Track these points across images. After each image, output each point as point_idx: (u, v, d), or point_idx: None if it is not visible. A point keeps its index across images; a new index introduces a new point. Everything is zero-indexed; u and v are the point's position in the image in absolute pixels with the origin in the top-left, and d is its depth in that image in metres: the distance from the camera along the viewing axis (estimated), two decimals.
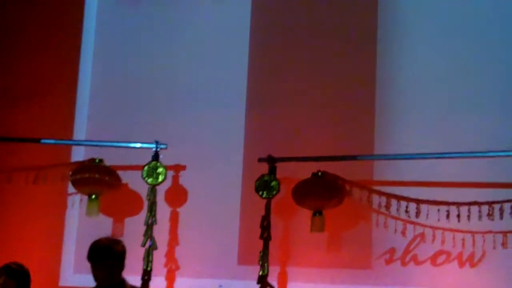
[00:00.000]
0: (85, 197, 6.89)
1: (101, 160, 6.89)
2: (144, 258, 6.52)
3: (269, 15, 7.37)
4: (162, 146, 6.83)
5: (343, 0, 7.28)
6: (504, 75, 6.81)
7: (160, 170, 6.78)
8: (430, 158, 6.59)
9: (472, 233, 6.46)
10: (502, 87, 6.80)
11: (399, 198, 6.57)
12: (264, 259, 6.47)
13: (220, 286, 6.82)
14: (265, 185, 6.65)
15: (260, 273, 6.45)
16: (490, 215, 6.32)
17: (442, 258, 6.57)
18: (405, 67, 7.01)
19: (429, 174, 6.66)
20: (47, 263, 7.07)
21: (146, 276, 6.49)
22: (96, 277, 4.81)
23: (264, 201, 6.62)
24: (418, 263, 6.61)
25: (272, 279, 6.55)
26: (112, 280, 4.78)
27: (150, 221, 6.64)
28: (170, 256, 6.88)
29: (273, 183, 6.64)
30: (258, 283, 6.43)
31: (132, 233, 6.71)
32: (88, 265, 6.78)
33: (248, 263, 6.75)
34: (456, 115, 6.79)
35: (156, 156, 6.81)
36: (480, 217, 6.34)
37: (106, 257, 4.77)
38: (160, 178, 6.78)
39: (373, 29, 7.12)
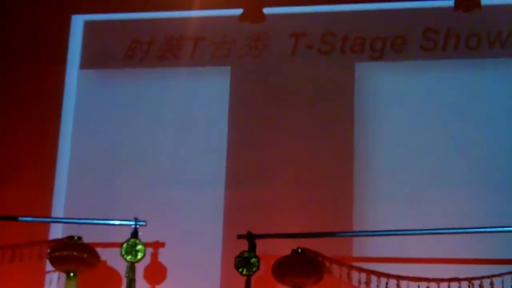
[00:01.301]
0: (63, 275, 6.82)
1: (79, 238, 6.82)
2: None
3: (247, 93, 7.47)
4: (141, 223, 6.78)
5: (320, 77, 7.39)
6: (478, 153, 6.94)
7: (139, 247, 6.73)
8: (409, 234, 6.58)
9: None
10: (478, 164, 6.90)
11: (379, 274, 6.54)
12: None
13: None
14: (245, 262, 6.61)
15: None
16: None
17: None
18: (382, 143, 7.12)
19: (409, 250, 6.68)
20: None
21: None
22: None
23: (244, 278, 6.58)
24: None
25: None
26: None
27: None
28: None
29: (253, 260, 6.60)
30: None
31: None
32: None
33: None
34: (435, 191, 6.88)
35: (135, 233, 6.75)
36: None
37: None
38: (139, 255, 6.72)
39: (350, 106, 7.22)
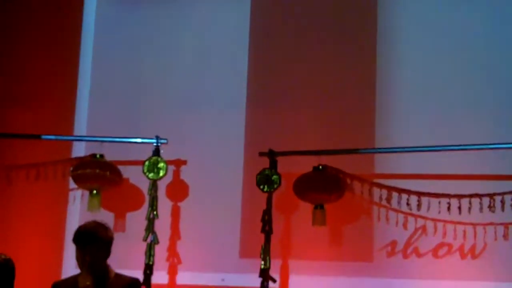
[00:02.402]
0: (86, 193, 6.90)
1: (102, 156, 6.89)
2: (146, 253, 6.53)
3: (269, 12, 7.39)
4: (162, 141, 6.83)
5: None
6: (501, 73, 6.87)
7: (161, 165, 6.78)
8: (430, 151, 6.60)
9: (474, 225, 6.48)
10: (499, 84, 6.84)
11: (400, 191, 6.59)
12: (265, 252, 6.48)
13: (223, 280, 6.83)
14: (266, 179, 6.66)
15: (262, 266, 6.45)
16: (491, 207, 6.34)
17: (443, 250, 6.60)
18: (405, 62, 7.04)
19: (430, 166, 6.68)
20: (49, 259, 7.07)
21: (148, 270, 6.50)
22: (79, 262, 4.72)
23: (265, 195, 6.63)
24: (419, 255, 6.63)
25: (274, 272, 6.55)
26: (95, 266, 4.67)
27: (151, 216, 6.65)
28: (172, 250, 6.89)
29: (274, 177, 6.65)
30: (260, 276, 6.43)
31: (133, 228, 6.75)
32: None
33: (249, 256, 6.75)
34: (456, 108, 6.83)
35: (156, 151, 6.81)
36: (481, 209, 6.37)
37: (91, 241, 4.70)
38: (161, 173, 6.78)
39: (373, 27, 7.14)
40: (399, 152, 6.73)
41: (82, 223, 6.97)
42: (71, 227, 7.18)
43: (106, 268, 4.73)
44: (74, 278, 4.74)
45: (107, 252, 4.76)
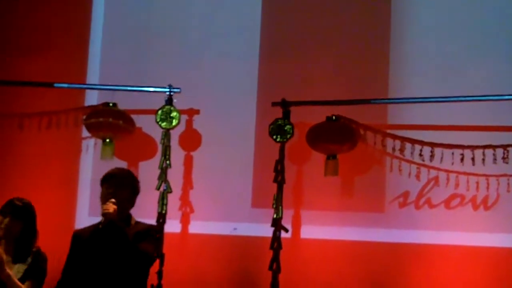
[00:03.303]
0: (99, 141, 6.92)
1: (114, 104, 6.88)
2: (158, 202, 6.56)
3: None
4: (175, 90, 6.82)
5: None
6: None
7: (173, 114, 6.78)
8: (444, 101, 6.56)
9: (487, 176, 6.47)
10: None
11: (413, 141, 6.57)
12: (278, 202, 6.50)
13: (235, 229, 6.87)
14: (279, 129, 6.65)
15: (274, 216, 6.48)
16: (505, 158, 6.32)
17: (456, 201, 6.60)
18: (419, 11, 6.96)
19: (443, 117, 6.65)
20: (62, 207, 7.12)
21: (161, 219, 6.53)
22: (102, 201, 4.69)
23: (278, 145, 6.63)
24: (432, 206, 6.64)
25: (286, 222, 6.58)
26: (120, 209, 4.65)
27: (164, 165, 6.67)
28: (185, 199, 6.91)
29: (287, 127, 6.64)
30: (272, 225, 6.46)
31: (146, 177, 6.70)
32: None
33: (262, 206, 6.77)
34: (471, 59, 6.77)
35: (169, 100, 6.80)
36: (494, 160, 6.35)
37: (121, 183, 4.71)
38: (174, 122, 6.78)
39: None
40: (412, 103, 6.70)
41: (95, 171, 7.13)
42: (84, 176, 7.24)
43: (129, 216, 4.75)
44: (95, 226, 4.74)
45: (132, 200, 4.76)
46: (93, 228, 4.67)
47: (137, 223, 4.75)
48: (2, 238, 4.74)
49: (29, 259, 4.78)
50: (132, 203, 4.81)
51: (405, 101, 6.72)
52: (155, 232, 4.77)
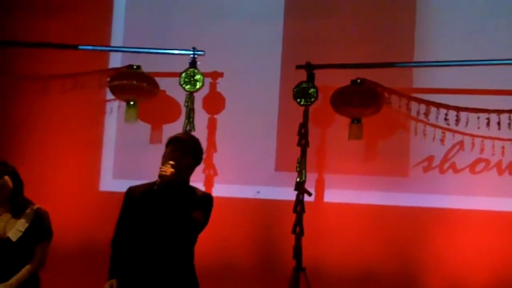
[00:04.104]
0: (123, 104, 6.93)
1: (138, 67, 6.88)
2: None
3: None
4: (199, 53, 6.80)
5: None
6: None
7: (197, 77, 6.77)
8: (470, 65, 6.49)
9: None
10: None
11: (439, 105, 6.52)
12: (301, 165, 6.49)
13: (258, 192, 6.87)
14: (303, 93, 6.62)
15: (298, 179, 6.48)
16: None
17: (481, 166, 6.55)
18: None
19: (469, 81, 6.58)
20: (87, 170, 7.16)
21: None
22: (163, 162, 4.60)
23: (302, 108, 6.60)
24: (456, 171, 6.60)
25: (310, 186, 6.59)
26: (178, 174, 4.57)
27: (188, 128, 6.68)
28: (208, 162, 6.92)
29: (311, 90, 6.61)
30: (295, 189, 6.46)
31: None
32: (127, 170, 6.89)
33: (285, 169, 6.77)
34: (498, 21, 6.67)
35: (193, 63, 6.79)
36: None
37: (186, 149, 4.64)
38: (198, 85, 6.77)
39: None
40: (438, 66, 6.63)
41: (119, 134, 7.15)
42: (108, 138, 7.26)
43: (186, 182, 4.68)
44: (149, 186, 4.67)
45: (192, 169, 4.72)
46: (148, 187, 4.62)
47: (193, 189, 4.70)
48: None
49: (28, 216, 4.87)
50: (191, 171, 4.74)
51: (431, 65, 6.65)
52: (209, 201, 4.72)
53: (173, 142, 4.67)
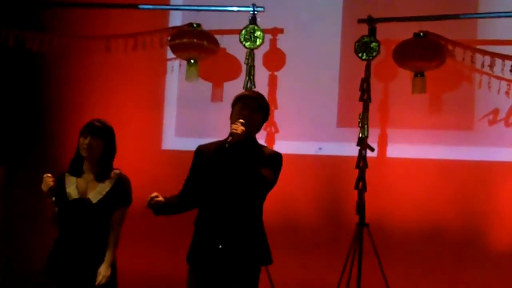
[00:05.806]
0: (184, 63, 6.95)
1: (198, 25, 6.88)
2: None
3: None
4: (259, 9, 6.76)
5: None
6: None
7: (257, 33, 6.74)
8: None
9: None
10: None
11: (504, 57, 6.37)
12: (364, 121, 6.45)
13: (320, 148, 6.85)
14: (364, 47, 6.55)
15: (360, 135, 6.44)
16: None
17: None
18: None
19: None
20: (149, 128, 7.24)
21: None
22: (232, 120, 4.53)
23: (364, 63, 6.54)
24: None
25: (372, 141, 6.55)
26: (248, 132, 4.49)
27: (248, 85, 6.67)
28: (270, 119, 6.84)
29: (373, 45, 6.53)
30: (357, 145, 6.43)
31: (231, 97, 6.66)
32: (189, 128, 6.92)
33: (347, 125, 6.74)
34: None
35: (253, 20, 6.76)
36: None
37: (255, 107, 4.56)
38: (258, 41, 6.75)
39: None
40: (503, 17, 6.47)
41: (181, 92, 7.18)
42: (169, 96, 7.31)
43: (254, 139, 4.66)
44: (219, 144, 4.68)
45: (261, 125, 4.71)
46: (218, 145, 4.63)
47: (262, 147, 4.69)
48: (85, 158, 4.84)
49: (110, 181, 4.86)
50: (259, 128, 4.73)
51: (496, 16, 6.50)
52: (279, 159, 4.71)
53: (240, 100, 4.63)
